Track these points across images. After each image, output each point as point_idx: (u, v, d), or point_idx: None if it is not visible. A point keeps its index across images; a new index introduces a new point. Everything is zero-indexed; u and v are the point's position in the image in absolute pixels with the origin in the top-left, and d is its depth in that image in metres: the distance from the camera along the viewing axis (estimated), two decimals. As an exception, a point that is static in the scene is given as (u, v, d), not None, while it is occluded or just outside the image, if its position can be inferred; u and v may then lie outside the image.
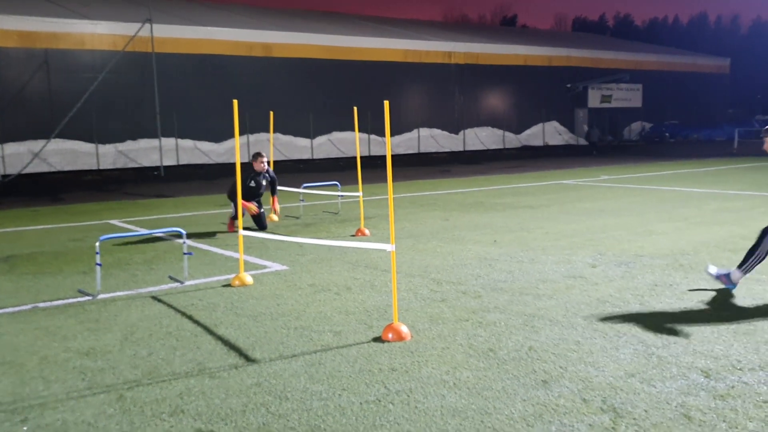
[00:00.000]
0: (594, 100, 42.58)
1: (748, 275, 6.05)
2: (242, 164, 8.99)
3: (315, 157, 30.73)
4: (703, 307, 5.53)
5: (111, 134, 26.09)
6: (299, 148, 30.27)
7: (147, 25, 25.32)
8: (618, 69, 43.17)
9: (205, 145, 28.77)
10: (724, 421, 3.44)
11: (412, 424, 3.49)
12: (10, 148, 24.13)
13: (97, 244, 6.35)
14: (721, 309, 5.44)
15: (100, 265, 6.38)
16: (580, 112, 42.17)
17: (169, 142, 26.77)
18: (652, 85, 45.04)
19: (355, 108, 9.98)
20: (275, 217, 11.01)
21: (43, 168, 24.53)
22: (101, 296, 6.32)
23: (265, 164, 10.41)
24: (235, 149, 29.69)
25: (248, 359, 4.52)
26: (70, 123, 23.94)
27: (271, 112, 10.49)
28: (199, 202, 14.99)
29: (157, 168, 25.39)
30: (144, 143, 27.01)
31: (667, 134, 44.70)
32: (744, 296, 5.80)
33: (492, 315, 5.41)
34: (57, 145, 24.81)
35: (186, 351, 4.71)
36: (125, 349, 4.80)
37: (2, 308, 5.98)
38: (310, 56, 31.15)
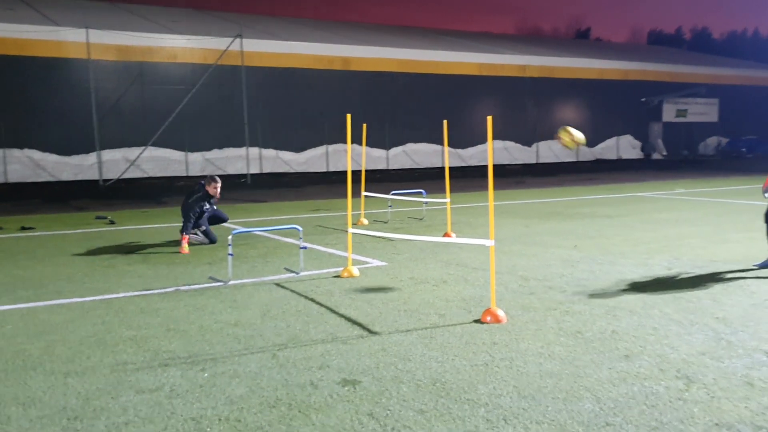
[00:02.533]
0: (669, 114, 42.27)
1: None
2: (201, 187, 9.98)
3: (390, 167, 31.73)
4: (771, 304, 6.11)
5: (199, 143, 27.72)
6: (374, 158, 31.37)
7: (236, 40, 26.84)
8: (694, 83, 42.73)
9: (287, 155, 30.12)
10: (782, 388, 4.11)
11: (516, 381, 4.29)
12: (107, 155, 25.95)
13: (230, 237, 7.38)
14: (788, 306, 6.02)
15: (231, 255, 7.42)
16: (654, 126, 41.93)
17: (253, 152, 28.21)
18: (730, 100, 44.35)
19: (445, 122, 10.78)
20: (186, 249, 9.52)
21: (137, 174, 26.29)
22: (231, 282, 7.33)
23: (219, 190, 10.21)
24: (314, 158, 30.91)
25: (371, 332, 5.39)
26: (162, 132, 25.62)
27: (364, 125, 11.39)
28: (292, 206, 16.10)
29: (244, 176, 26.83)
30: (229, 152, 28.56)
31: (744, 149, 43.89)
32: (810, 297, 6.35)
33: (577, 306, 6.14)
34: (150, 152, 26.54)
35: (317, 324, 5.62)
36: (266, 322, 5.75)
37: (151, 290, 7.05)
38: (386, 69, 32.23)
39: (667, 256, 8.63)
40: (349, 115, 7.68)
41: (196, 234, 10.00)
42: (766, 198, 8.05)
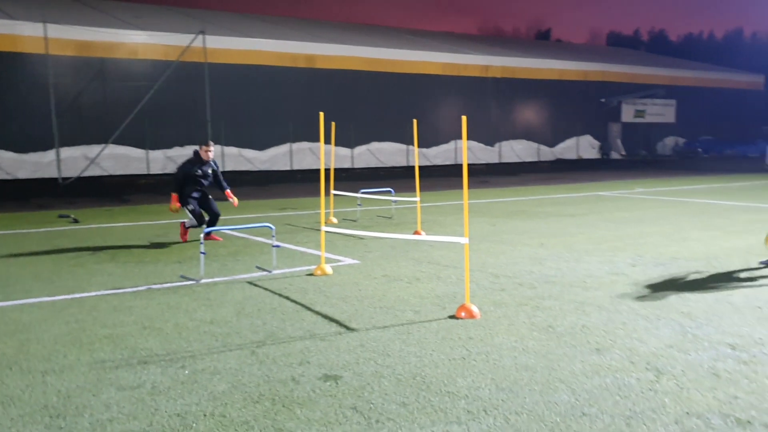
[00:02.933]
0: (628, 114, 43.15)
1: None
2: (191, 157, 9.98)
3: (355, 166, 31.77)
4: (733, 299, 6.34)
5: (161, 141, 27.40)
6: (339, 157, 31.40)
7: (199, 37, 26.58)
8: (652, 84, 43.67)
9: (250, 153, 29.95)
10: (746, 378, 4.29)
11: (493, 374, 4.40)
12: (66, 152, 25.47)
13: (202, 235, 7.37)
14: (749, 301, 6.25)
15: (204, 253, 7.41)
16: (613, 126, 42.74)
17: (215, 149, 27.97)
18: (687, 101, 45.46)
19: (415, 121, 10.89)
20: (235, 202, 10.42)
21: (97, 172, 25.87)
22: (203, 281, 7.32)
23: (212, 154, 10.22)
24: (277, 157, 30.76)
25: (348, 328, 5.45)
26: (123, 129, 25.26)
27: (333, 123, 11.39)
28: (258, 205, 16.04)
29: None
30: (191, 150, 28.27)
31: (700, 150, 45.03)
32: (769, 292, 6.62)
33: (547, 302, 6.30)
34: (110, 150, 26.15)
35: (294, 322, 5.67)
36: (242, 319, 5.77)
37: (122, 288, 7.00)
38: (350, 68, 32.27)
39: (631, 253, 8.86)
40: (321, 114, 7.71)
41: (192, 209, 10.01)
42: None
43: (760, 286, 6.86)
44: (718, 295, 6.48)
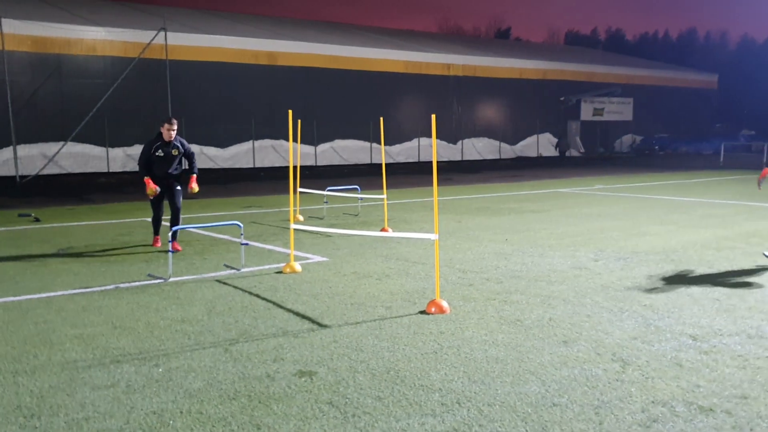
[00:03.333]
0: (586, 113, 43.88)
1: None
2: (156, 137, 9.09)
3: (318, 163, 31.73)
4: (692, 291, 6.56)
5: (121, 138, 26.99)
6: (303, 155, 31.33)
7: (160, 34, 26.25)
8: (610, 83, 44.48)
9: (211, 150, 29.69)
10: (707, 367, 4.47)
11: (465, 367, 4.50)
12: (23, 150, 24.94)
13: (170, 234, 7.34)
14: (707, 293, 6.47)
15: (171, 252, 7.37)
16: (572, 124, 43.42)
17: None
18: (643, 99, 46.43)
19: (381, 119, 10.97)
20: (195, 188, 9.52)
21: (55, 170, 25.40)
22: (172, 279, 7.29)
23: (174, 133, 9.14)
24: (239, 154, 30.55)
25: (321, 325, 5.51)
26: (82, 127, 24.82)
27: (300, 120, 11.32)
28: (222, 203, 15.96)
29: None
30: (152, 147, 27.91)
31: (656, 147, 46.03)
32: (726, 283, 6.85)
33: (514, 296, 6.43)
34: (68, 148, 25.68)
35: (266, 319, 5.70)
36: (213, 318, 5.78)
37: (89, 288, 6.94)
38: (313, 65, 32.20)
39: (592, 248, 9.07)
40: (290, 111, 7.73)
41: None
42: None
43: (717, 278, 7.11)
44: (678, 288, 6.69)
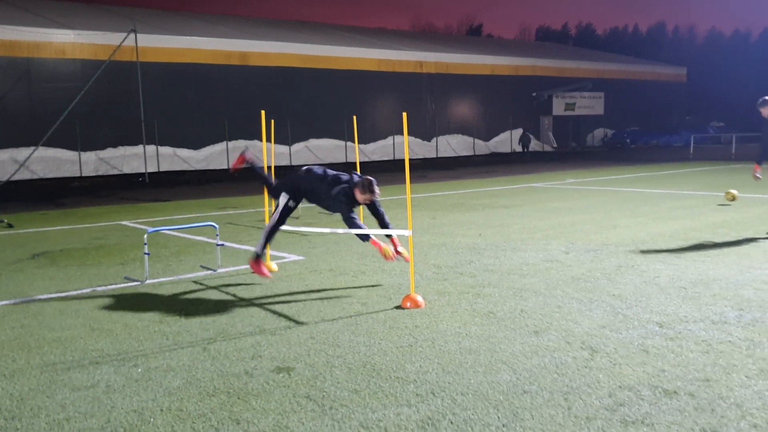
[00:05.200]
0: (558, 107, 44.34)
1: None
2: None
3: (293, 163, 31.73)
4: (659, 281, 6.75)
5: (93, 142, 26.79)
6: (277, 155, 31.30)
7: (131, 36, 26.07)
8: (581, 78, 44.99)
9: (185, 152, 29.58)
10: (672, 353, 4.63)
11: (439, 359, 4.62)
12: (-8, 155, 24.68)
13: (146, 236, 7.38)
14: (673, 282, 6.67)
15: (148, 254, 7.40)
16: (545, 119, 43.85)
17: (149, 149, 27.51)
18: (614, 93, 47.03)
19: (354, 117, 11.06)
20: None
21: (27, 175, 25.13)
22: (148, 281, 7.32)
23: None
24: (213, 155, 30.38)
25: (297, 322, 5.60)
26: (53, 131, 24.58)
27: (273, 120, 11.36)
28: (197, 205, 15.93)
29: (141, 175, 26.14)
30: (125, 150, 27.76)
31: (628, 140, 46.65)
32: (692, 272, 7.05)
33: (487, 289, 6.57)
34: (39, 153, 25.43)
35: (243, 318, 5.77)
36: (190, 318, 5.84)
37: (65, 291, 6.96)
38: (286, 65, 32.19)
39: (564, 241, 9.25)
40: (263, 112, 7.80)
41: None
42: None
43: (684, 268, 7.31)
44: (646, 278, 6.88)
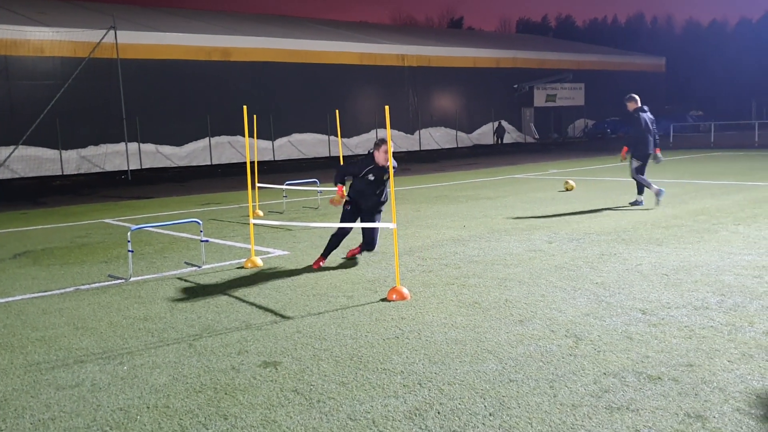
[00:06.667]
0: (540, 99, 44.49)
1: None
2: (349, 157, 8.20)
3: (276, 158, 31.62)
4: (641, 268, 6.81)
5: (74, 140, 26.54)
6: (260, 150, 31.19)
7: (110, 33, 25.83)
8: (561, 69, 45.16)
9: (167, 149, 29.39)
10: (655, 339, 4.68)
11: (426, 350, 4.64)
12: (-29, 156, 24.39)
13: (129, 234, 7.33)
14: (656, 269, 6.73)
15: (131, 251, 7.36)
16: (526, 111, 43.99)
17: (131, 147, 27.31)
18: (594, 84, 47.26)
19: (337, 111, 11.03)
20: None
21: (7, 175, 24.87)
22: (132, 279, 7.28)
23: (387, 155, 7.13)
24: (196, 152, 30.22)
25: (284, 317, 5.59)
26: (33, 130, 24.34)
27: (255, 116, 11.36)
28: (180, 201, 15.85)
29: (124, 172, 25.95)
30: (107, 148, 27.54)
31: (608, 130, 46.92)
32: (673, 259, 7.12)
33: (472, 280, 6.60)
34: (20, 151, 25.17)
35: (229, 314, 5.76)
36: (176, 315, 5.82)
37: (49, 291, 6.90)
38: (267, 60, 32.04)
39: (547, 231, 9.30)
40: (245, 107, 7.77)
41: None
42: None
43: (666, 255, 7.38)
44: (628, 265, 6.94)
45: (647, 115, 11.71)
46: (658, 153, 11.80)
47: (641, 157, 11.61)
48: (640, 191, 11.63)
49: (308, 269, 7.43)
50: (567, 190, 14.47)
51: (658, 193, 11.24)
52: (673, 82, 61.91)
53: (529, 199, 13.25)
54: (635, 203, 11.56)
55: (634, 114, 11.73)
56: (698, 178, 15.60)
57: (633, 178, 11.68)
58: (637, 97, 11.90)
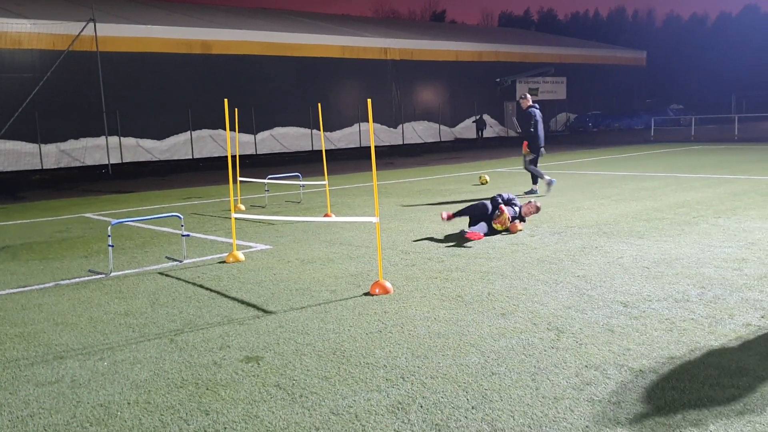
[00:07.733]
0: (522, 93, 44.61)
1: None
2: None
3: (258, 152, 31.47)
4: (623, 261, 6.85)
5: (53, 134, 26.25)
6: (242, 144, 31.02)
7: (89, 25, 25.53)
8: (543, 63, 45.30)
9: (148, 143, 29.15)
10: (636, 331, 4.72)
11: (408, 344, 4.64)
12: (-52, 150, 24.03)
13: (109, 228, 7.26)
14: (637, 262, 6.78)
15: (112, 246, 7.29)
16: (509, 105, 44.10)
17: (112, 141, 27.06)
18: (576, 78, 47.47)
19: (320, 104, 10.99)
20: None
21: (-16, 169, 24.55)
22: (113, 274, 7.22)
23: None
24: (177, 145, 30.01)
25: (266, 311, 5.57)
26: (11, 123, 24.04)
27: (237, 109, 11.26)
28: (161, 195, 15.73)
29: (104, 166, 25.70)
30: (87, 142, 27.25)
31: (590, 124, 47.19)
32: (654, 252, 7.18)
33: (455, 273, 6.61)
34: (-3, 145, 24.86)
35: (210, 309, 5.72)
36: (157, 310, 5.77)
37: (28, 286, 6.82)
38: (249, 53, 31.84)
39: (529, 224, 9.33)
40: (226, 100, 7.71)
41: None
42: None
43: (647, 248, 7.43)
44: (610, 258, 6.98)
45: (539, 112, 13.03)
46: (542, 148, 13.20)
47: (534, 150, 12.94)
48: (534, 181, 13.02)
49: (291, 264, 7.41)
50: (482, 183, 15.03)
51: (549, 183, 12.56)
52: (653, 76, 62.35)
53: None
54: (530, 192, 12.86)
55: (528, 111, 12.96)
56: (679, 172, 15.73)
57: (526, 169, 13.03)
58: (530, 95, 13.41)
